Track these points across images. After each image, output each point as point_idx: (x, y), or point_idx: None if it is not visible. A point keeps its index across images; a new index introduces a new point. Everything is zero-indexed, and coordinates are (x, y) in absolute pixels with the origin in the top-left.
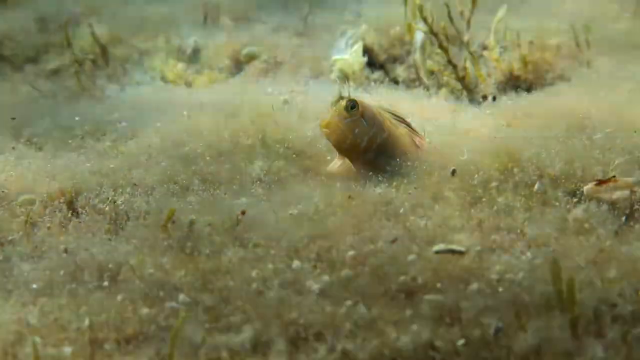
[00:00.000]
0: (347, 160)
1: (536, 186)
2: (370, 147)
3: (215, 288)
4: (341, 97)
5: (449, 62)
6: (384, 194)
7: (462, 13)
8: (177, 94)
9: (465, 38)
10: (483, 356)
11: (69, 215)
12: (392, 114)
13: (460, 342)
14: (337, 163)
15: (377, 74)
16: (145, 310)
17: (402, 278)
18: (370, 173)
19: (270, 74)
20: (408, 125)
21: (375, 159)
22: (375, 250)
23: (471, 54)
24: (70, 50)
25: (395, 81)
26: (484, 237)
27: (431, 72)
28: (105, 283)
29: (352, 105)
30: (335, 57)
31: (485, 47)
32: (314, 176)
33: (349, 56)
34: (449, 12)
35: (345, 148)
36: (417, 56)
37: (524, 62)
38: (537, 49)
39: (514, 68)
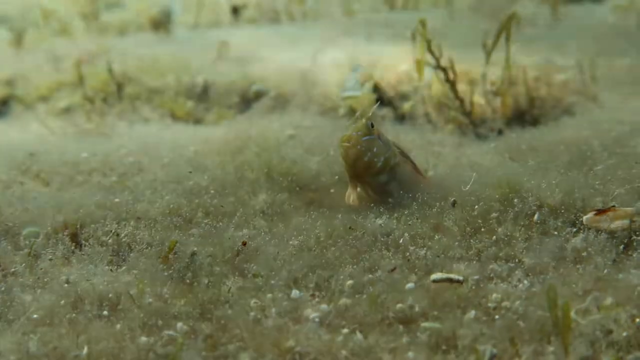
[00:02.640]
0: (359, 189)
1: (536, 216)
2: (385, 169)
3: (214, 317)
4: (357, 119)
5: (456, 97)
6: (385, 224)
7: (484, 45)
8: (185, 130)
9: (482, 72)
10: None
11: (72, 247)
12: (398, 148)
13: None
14: (352, 194)
15: (385, 110)
16: (143, 339)
17: (399, 306)
18: (381, 199)
19: (279, 110)
20: (411, 161)
21: (388, 182)
22: (373, 279)
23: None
24: (82, 89)
25: (403, 117)
26: (483, 266)
27: (438, 107)
28: (105, 312)
29: (372, 124)
30: (346, 94)
31: (493, 83)
32: (316, 208)
33: (360, 93)
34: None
35: (362, 166)
36: (424, 91)
37: (531, 98)
38: (544, 85)
39: (521, 103)
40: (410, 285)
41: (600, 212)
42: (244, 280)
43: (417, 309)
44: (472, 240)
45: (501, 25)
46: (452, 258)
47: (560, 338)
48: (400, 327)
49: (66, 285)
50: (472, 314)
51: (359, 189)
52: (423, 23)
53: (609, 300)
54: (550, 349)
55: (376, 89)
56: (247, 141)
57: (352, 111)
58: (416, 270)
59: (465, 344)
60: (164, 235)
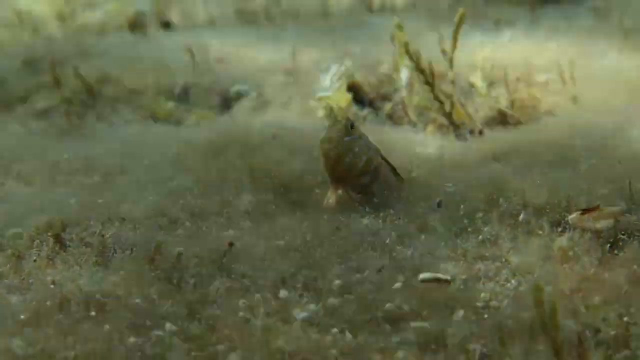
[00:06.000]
0: (340, 192)
1: (521, 216)
2: (367, 170)
3: (202, 317)
4: (337, 119)
5: (435, 98)
6: (371, 225)
7: (443, 51)
8: (167, 131)
9: (450, 75)
10: None
11: (57, 248)
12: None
13: None
14: (331, 197)
15: (366, 111)
16: (132, 339)
17: (388, 306)
18: (363, 201)
19: (259, 111)
20: (391, 166)
21: (370, 184)
22: (361, 279)
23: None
24: (59, 90)
25: (384, 118)
26: (470, 266)
27: (418, 109)
28: (93, 313)
29: (352, 124)
30: (320, 95)
31: (472, 84)
32: (301, 209)
33: (332, 93)
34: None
35: (343, 167)
36: (403, 93)
37: (511, 98)
38: (524, 85)
39: (501, 104)
40: (398, 285)
41: (585, 211)
42: (231, 280)
43: (405, 308)
44: (458, 240)
45: (455, 26)
46: (439, 258)
47: (548, 338)
48: (389, 326)
49: (52, 286)
50: (460, 313)
51: (340, 192)
52: (400, 26)
53: (596, 300)
54: (540, 347)
55: (356, 89)
56: (230, 141)
57: (329, 111)
58: (403, 269)
59: (454, 343)
60: (149, 236)
